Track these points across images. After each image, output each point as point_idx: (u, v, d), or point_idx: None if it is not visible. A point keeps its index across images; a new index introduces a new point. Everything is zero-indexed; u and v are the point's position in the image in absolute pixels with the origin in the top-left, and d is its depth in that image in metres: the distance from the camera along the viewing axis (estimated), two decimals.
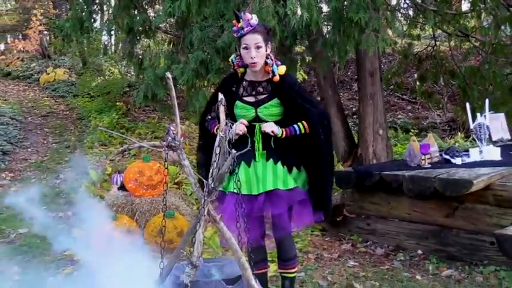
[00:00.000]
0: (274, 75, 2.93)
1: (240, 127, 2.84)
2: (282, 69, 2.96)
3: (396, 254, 4.41)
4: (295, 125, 2.94)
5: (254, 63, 2.88)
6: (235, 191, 2.68)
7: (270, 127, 2.89)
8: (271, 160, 2.95)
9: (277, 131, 2.89)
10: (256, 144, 2.95)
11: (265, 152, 2.96)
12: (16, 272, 3.75)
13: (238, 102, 2.98)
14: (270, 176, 2.92)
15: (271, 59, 2.96)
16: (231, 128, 2.50)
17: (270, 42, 2.99)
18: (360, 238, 4.76)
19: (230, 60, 3.08)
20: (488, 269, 3.87)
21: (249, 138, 2.92)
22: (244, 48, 2.90)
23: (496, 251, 3.83)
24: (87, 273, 2.98)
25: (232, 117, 2.90)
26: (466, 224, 4.16)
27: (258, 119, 2.95)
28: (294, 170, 2.99)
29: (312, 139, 2.96)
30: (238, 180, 2.66)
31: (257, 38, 2.88)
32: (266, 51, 2.93)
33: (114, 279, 2.75)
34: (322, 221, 3.17)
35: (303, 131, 2.94)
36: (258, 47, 2.87)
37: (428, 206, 4.37)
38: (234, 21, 2.94)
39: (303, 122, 2.95)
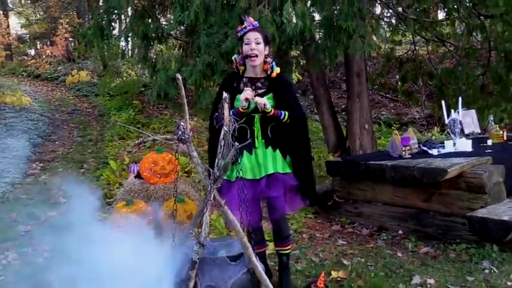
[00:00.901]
0: (272, 71, 3.00)
1: (248, 92, 2.87)
2: (277, 70, 3.01)
3: (380, 234, 4.42)
4: (283, 111, 2.96)
5: (254, 55, 2.92)
6: (241, 176, 2.71)
7: (263, 101, 2.88)
8: (270, 148, 3.00)
9: (268, 106, 2.89)
10: (256, 132, 2.99)
11: (263, 140, 2.99)
12: (46, 250, 3.75)
13: (239, 96, 2.99)
14: (270, 161, 2.97)
15: (270, 58, 3.02)
16: (235, 123, 2.49)
17: (268, 45, 3.05)
18: (348, 220, 4.77)
19: (233, 58, 3.14)
20: (460, 246, 3.89)
21: (249, 129, 2.95)
22: (246, 44, 2.96)
23: (467, 231, 3.84)
24: (108, 250, 2.98)
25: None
26: (441, 208, 4.16)
27: (256, 110, 2.97)
28: (288, 157, 3.03)
29: (298, 132, 3.03)
30: (241, 169, 2.68)
31: (257, 35, 2.96)
32: (265, 51, 2.98)
33: (132, 256, 2.75)
34: (308, 205, 3.18)
35: (285, 119, 2.97)
36: (258, 43, 2.94)
37: (408, 192, 4.37)
38: (239, 25, 3.01)
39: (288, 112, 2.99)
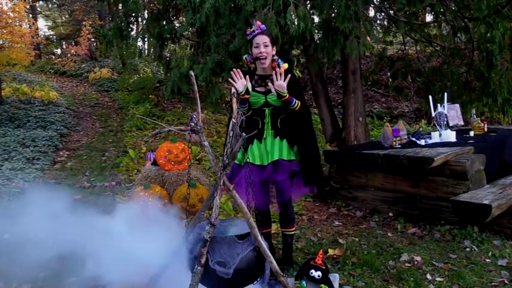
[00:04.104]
0: (279, 67, 2.98)
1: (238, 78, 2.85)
2: (285, 66, 3.01)
3: (372, 216, 4.42)
4: (294, 99, 2.94)
5: (263, 57, 2.94)
6: (249, 161, 2.77)
7: (282, 87, 2.86)
8: (278, 137, 3.02)
9: (285, 90, 2.87)
10: (266, 124, 3.01)
11: (273, 131, 3.01)
12: (72, 229, 3.77)
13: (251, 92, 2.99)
14: (276, 149, 2.99)
15: (277, 56, 3.03)
16: (242, 116, 2.48)
17: (275, 45, 3.06)
18: (343, 203, 4.77)
19: (244, 58, 3.16)
20: (444, 227, 3.89)
21: (260, 121, 2.98)
22: (255, 47, 2.97)
23: (450, 214, 3.84)
24: (128, 229, 2.99)
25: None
26: (428, 192, 4.16)
27: (267, 104, 2.99)
28: (295, 147, 3.03)
29: (303, 122, 3.03)
30: (248, 158, 2.68)
31: (265, 38, 2.96)
32: (272, 51, 2.99)
33: (150, 235, 2.76)
34: (316, 192, 3.18)
35: (295, 105, 2.94)
36: (266, 46, 2.94)
37: (398, 178, 4.37)
38: (248, 29, 3.01)
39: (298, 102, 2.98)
